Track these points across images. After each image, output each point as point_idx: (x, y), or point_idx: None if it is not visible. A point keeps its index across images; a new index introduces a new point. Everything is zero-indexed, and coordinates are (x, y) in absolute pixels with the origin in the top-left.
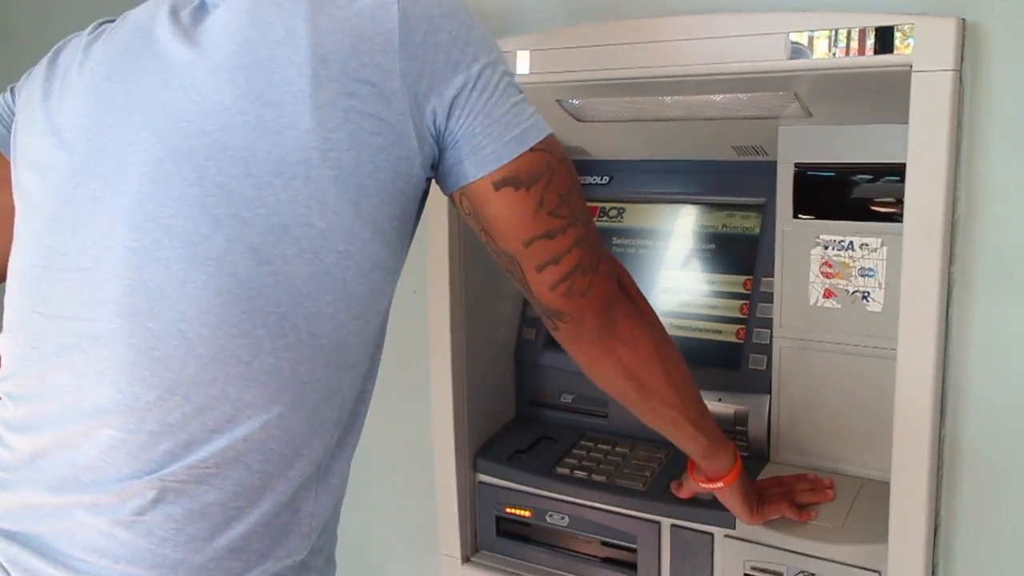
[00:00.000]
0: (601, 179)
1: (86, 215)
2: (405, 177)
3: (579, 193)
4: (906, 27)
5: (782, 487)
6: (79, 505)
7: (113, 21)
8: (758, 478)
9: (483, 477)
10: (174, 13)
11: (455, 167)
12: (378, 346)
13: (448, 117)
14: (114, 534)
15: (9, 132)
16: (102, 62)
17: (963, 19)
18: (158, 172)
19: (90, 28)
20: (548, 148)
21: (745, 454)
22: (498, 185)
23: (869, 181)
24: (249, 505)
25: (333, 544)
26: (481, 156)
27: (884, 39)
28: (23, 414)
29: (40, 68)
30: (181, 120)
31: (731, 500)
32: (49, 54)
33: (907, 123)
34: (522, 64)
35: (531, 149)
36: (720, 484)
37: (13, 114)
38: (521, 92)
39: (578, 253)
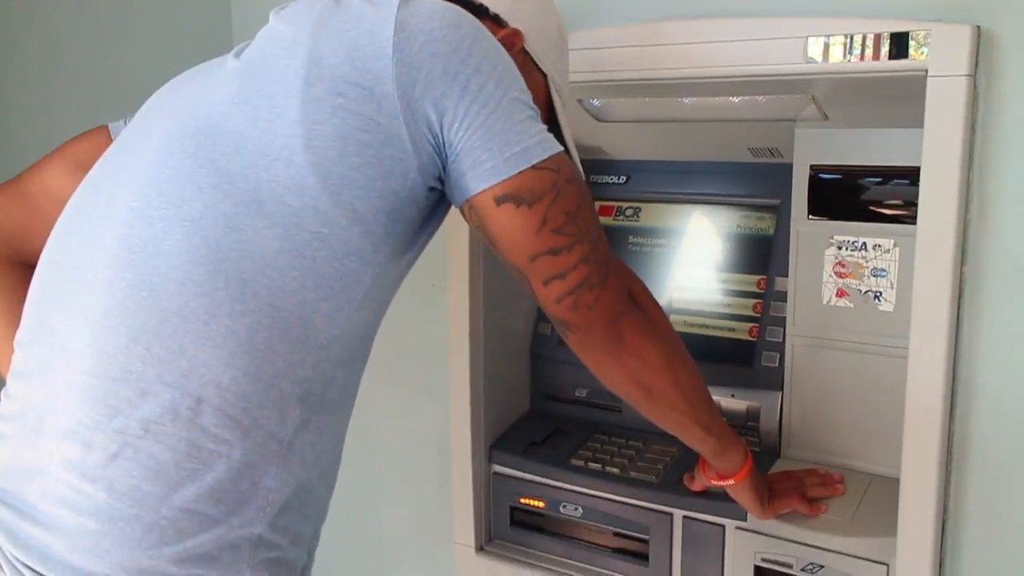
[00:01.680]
0: (619, 179)
1: (108, 179)
2: (399, 177)
3: (589, 210)
4: (922, 33)
5: (792, 481)
6: (54, 456)
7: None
8: (769, 472)
9: (498, 468)
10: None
11: (458, 180)
12: (361, 339)
13: (444, 127)
14: (81, 488)
15: None
16: (180, 77)
17: (978, 26)
18: (164, 145)
19: None
20: (554, 167)
21: (757, 450)
22: (499, 200)
23: (883, 183)
24: (203, 468)
25: (306, 532)
26: (481, 171)
27: (900, 45)
28: (22, 359)
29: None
30: (195, 106)
31: (742, 496)
32: None
33: (921, 127)
34: None
35: (533, 167)
36: (731, 481)
37: None
38: (532, 109)
39: (584, 269)
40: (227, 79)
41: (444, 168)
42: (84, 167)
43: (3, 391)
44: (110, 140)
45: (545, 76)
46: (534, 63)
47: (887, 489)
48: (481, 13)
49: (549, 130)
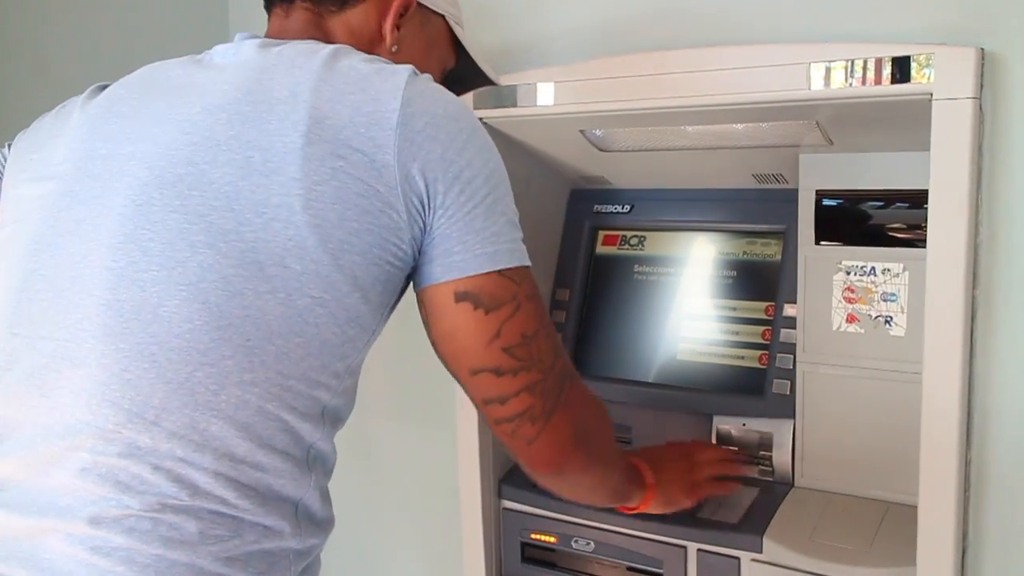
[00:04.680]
0: (623, 208)
1: (67, 237)
2: (392, 248)
3: (547, 335)
4: (923, 56)
5: (684, 465)
6: (53, 532)
7: (108, 85)
8: (782, 503)
9: (508, 503)
10: (188, 62)
11: (425, 265)
12: (348, 402)
13: (430, 209)
14: (93, 562)
15: None
16: (101, 104)
17: (982, 48)
18: (141, 196)
19: (88, 90)
20: (518, 279)
21: (769, 479)
22: (459, 297)
23: (890, 207)
24: (228, 534)
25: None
26: (449, 261)
27: (902, 68)
28: None
29: (40, 122)
30: (170, 149)
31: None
32: (49, 113)
33: (926, 150)
34: (545, 96)
35: (500, 272)
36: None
37: (3, 168)
38: (513, 213)
39: (527, 400)
40: (205, 117)
41: (419, 250)
42: None
43: None
44: None
45: (444, 16)
46: (431, 10)
47: (904, 517)
48: None
49: (460, 63)
